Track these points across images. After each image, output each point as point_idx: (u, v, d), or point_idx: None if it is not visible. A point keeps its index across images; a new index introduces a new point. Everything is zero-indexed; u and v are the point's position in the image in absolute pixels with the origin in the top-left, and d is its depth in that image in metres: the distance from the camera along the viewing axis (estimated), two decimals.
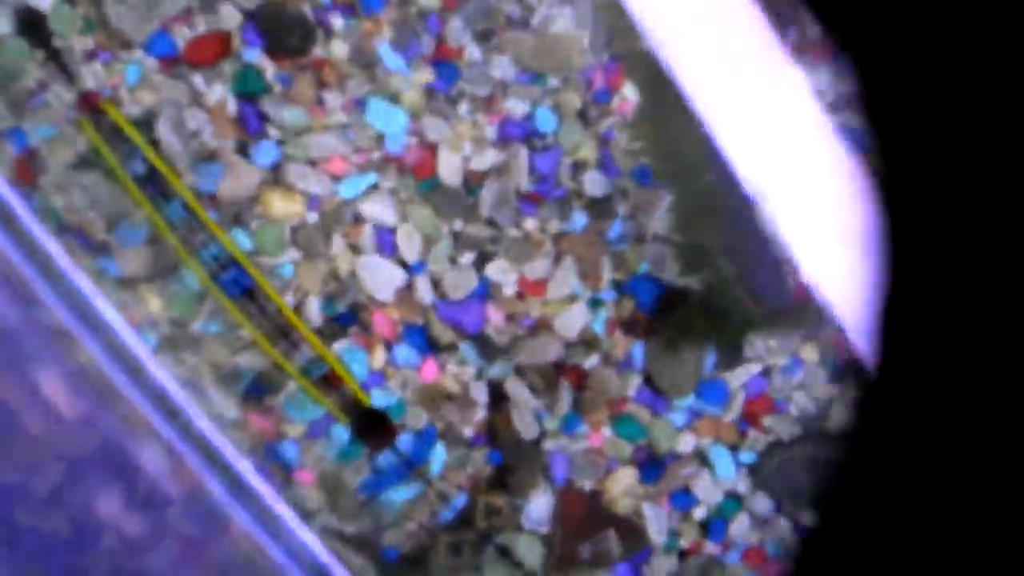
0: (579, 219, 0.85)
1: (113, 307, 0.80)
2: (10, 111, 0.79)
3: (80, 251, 0.80)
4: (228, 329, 0.82)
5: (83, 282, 0.79)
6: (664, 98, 0.84)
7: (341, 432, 0.84)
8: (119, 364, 0.80)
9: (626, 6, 0.81)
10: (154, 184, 0.79)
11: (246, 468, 0.82)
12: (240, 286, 0.81)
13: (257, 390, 0.82)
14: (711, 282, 0.87)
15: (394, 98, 0.82)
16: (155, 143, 0.79)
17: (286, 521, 0.82)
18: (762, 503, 0.89)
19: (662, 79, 0.83)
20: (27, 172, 0.79)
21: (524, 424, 0.85)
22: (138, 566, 0.78)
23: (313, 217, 0.81)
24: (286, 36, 0.80)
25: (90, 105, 0.78)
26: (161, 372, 0.81)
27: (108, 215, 0.80)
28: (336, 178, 0.82)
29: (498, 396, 0.85)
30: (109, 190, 0.79)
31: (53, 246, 0.78)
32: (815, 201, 0.86)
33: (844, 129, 0.86)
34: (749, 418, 0.89)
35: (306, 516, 0.83)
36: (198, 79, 0.80)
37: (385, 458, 0.84)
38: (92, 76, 0.78)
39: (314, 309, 0.82)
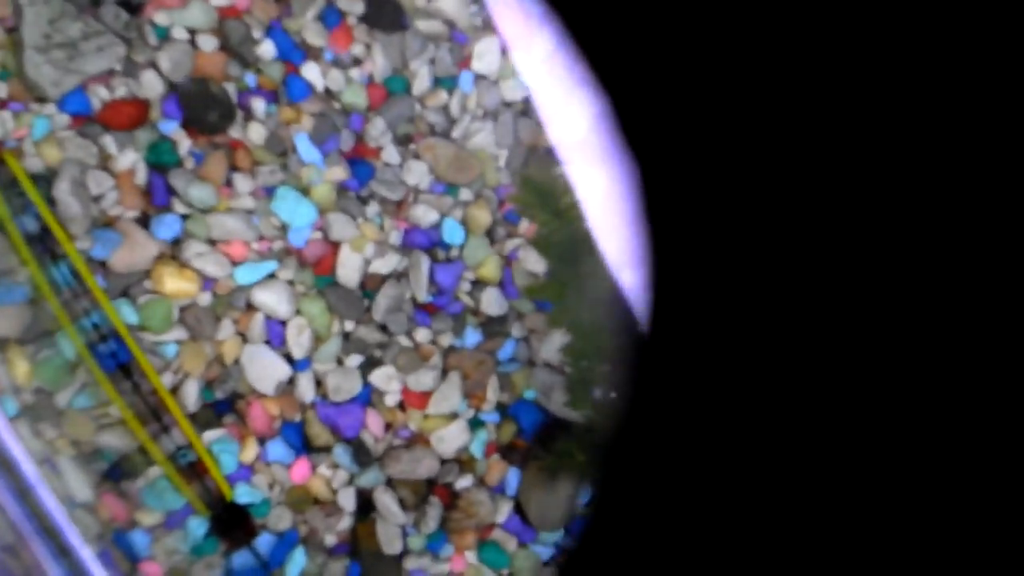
0: (472, 336, 0.85)
1: None
2: None
3: None
4: (97, 404, 0.78)
5: None
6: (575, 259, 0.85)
7: (198, 525, 0.80)
8: None
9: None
10: (44, 244, 0.76)
11: (88, 556, 0.77)
12: (117, 360, 0.78)
13: (117, 472, 0.79)
14: (595, 418, 0.87)
15: (304, 190, 0.82)
16: (52, 201, 0.77)
17: None
18: None
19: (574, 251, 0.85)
20: None
21: (388, 538, 0.83)
22: None
23: (205, 298, 0.79)
24: (206, 112, 0.80)
25: None
26: (15, 442, 0.76)
27: None
28: (234, 262, 0.80)
29: (366, 506, 0.83)
30: None
31: None
32: None
33: None
34: None
35: None
36: (109, 141, 0.78)
37: (241, 558, 0.81)
38: None
39: (192, 393, 0.79)
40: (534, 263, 0.86)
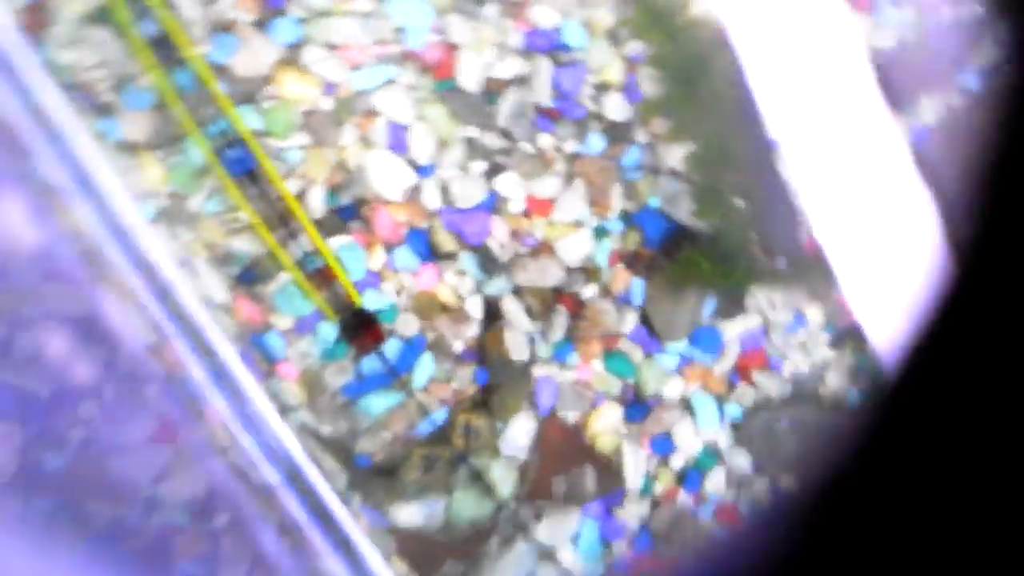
0: (596, 142, 0.83)
1: (112, 171, 0.77)
2: None
3: (83, 110, 0.77)
4: (226, 209, 0.79)
5: (83, 141, 0.76)
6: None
7: (329, 330, 0.81)
8: (111, 230, 0.77)
9: None
10: (165, 49, 0.76)
11: (229, 354, 0.79)
12: (243, 166, 0.78)
13: (249, 276, 0.80)
14: (722, 226, 0.85)
15: None
16: (170, 5, 0.76)
17: (263, 413, 0.80)
18: (741, 460, 0.87)
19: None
20: (36, 21, 0.77)
21: (516, 346, 0.83)
22: (110, 440, 0.75)
23: (327, 103, 0.79)
24: None
25: None
26: (154, 244, 0.78)
27: (116, 75, 0.77)
28: (353, 67, 0.79)
29: (493, 314, 0.83)
30: (119, 49, 0.77)
31: (56, 100, 0.75)
32: (838, 157, 0.84)
33: (887, 89, 0.84)
34: (740, 371, 0.87)
35: (284, 411, 0.81)
36: None
37: (370, 362, 0.82)
38: None
39: (317, 199, 0.79)
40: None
